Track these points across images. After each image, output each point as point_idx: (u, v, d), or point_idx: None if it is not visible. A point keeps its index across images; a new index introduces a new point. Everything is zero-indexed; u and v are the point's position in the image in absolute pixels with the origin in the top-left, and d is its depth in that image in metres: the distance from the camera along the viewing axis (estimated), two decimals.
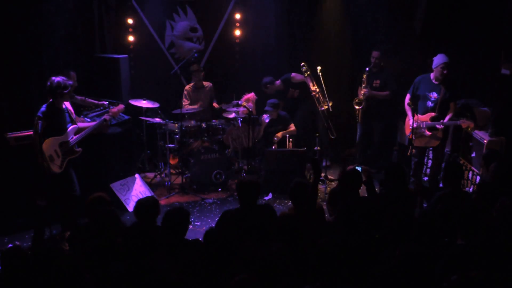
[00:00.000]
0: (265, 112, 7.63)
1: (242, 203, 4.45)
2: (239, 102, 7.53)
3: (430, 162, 7.20)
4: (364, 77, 7.51)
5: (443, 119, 6.46)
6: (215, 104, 8.00)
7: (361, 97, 7.59)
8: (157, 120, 7.55)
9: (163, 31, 8.55)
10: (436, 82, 6.54)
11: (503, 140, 6.32)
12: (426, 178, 7.18)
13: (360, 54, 8.30)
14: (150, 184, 7.36)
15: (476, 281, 2.95)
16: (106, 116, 5.99)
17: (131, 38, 8.30)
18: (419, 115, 6.53)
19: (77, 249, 4.09)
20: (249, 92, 7.97)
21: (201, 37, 8.67)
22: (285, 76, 8.15)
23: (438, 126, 6.48)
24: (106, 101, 6.75)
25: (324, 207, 4.98)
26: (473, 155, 6.66)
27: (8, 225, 6.05)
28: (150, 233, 3.92)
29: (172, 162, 7.86)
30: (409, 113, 6.66)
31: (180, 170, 7.57)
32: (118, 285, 3.26)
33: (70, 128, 5.61)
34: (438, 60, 6.44)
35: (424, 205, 4.93)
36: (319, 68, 7.35)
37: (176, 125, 7.46)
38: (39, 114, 5.42)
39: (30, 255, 3.72)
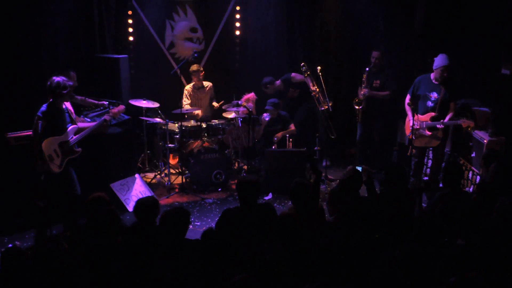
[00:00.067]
0: (266, 111, 7.63)
1: (242, 202, 4.45)
2: (239, 102, 7.53)
3: (430, 162, 7.20)
4: (364, 77, 7.51)
5: (443, 119, 6.46)
6: (215, 104, 8.00)
7: (361, 97, 7.59)
8: (157, 120, 7.55)
9: (163, 31, 8.55)
10: (436, 82, 6.54)
11: (503, 140, 6.32)
12: (426, 178, 7.18)
13: (360, 54, 8.30)
14: (150, 184, 7.36)
15: (475, 282, 2.95)
16: (106, 117, 5.99)
17: (131, 38, 8.30)
18: (419, 115, 6.53)
19: (76, 249, 4.08)
20: (249, 92, 7.98)
21: (201, 37, 8.68)
22: (285, 76, 8.15)
23: (438, 126, 6.47)
24: (106, 101, 6.74)
25: (324, 207, 4.98)
26: (473, 155, 6.66)
27: (8, 225, 6.05)
28: (150, 233, 3.92)
29: (172, 162, 7.87)
30: (409, 113, 6.65)
31: (180, 170, 7.57)
32: (118, 285, 3.26)
33: (70, 128, 5.61)
34: (439, 62, 6.42)
35: (424, 205, 4.93)
36: (319, 68, 7.35)
37: (176, 125, 7.46)
38: (39, 113, 5.42)
39: (30, 255, 3.72)
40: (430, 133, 6.55)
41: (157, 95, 7.77)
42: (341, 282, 3.08)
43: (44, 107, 5.47)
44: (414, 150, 6.66)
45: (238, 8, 8.51)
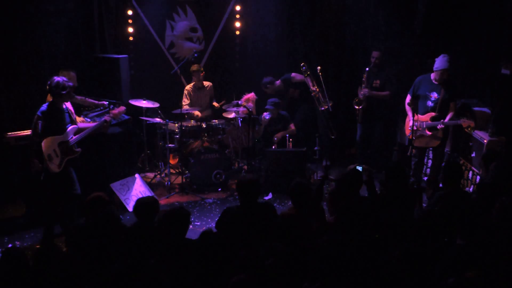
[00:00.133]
0: (266, 110, 7.63)
1: (243, 202, 4.45)
2: (239, 102, 7.53)
3: (430, 162, 7.20)
4: (364, 77, 7.51)
5: (444, 119, 6.46)
6: (215, 104, 8.00)
7: (361, 97, 7.59)
8: (157, 120, 7.55)
9: (163, 31, 8.56)
10: (436, 83, 6.54)
11: (503, 140, 6.32)
12: (426, 178, 7.18)
13: (360, 54, 8.30)
14: (150, 184, 7.35)
15: (473, 282, 2.95)
16: (107, 117, 5.99)
17: (131, 38, 8.30)
18: (419, 115, 6.53)
19: (76, 249, 4.08)
20: (249, 92, 7.98)
21: (201, 37, 8.68)
22: (285, 76, 8.15)
23: (438, 126, 6.47)
24: (106, 101, 6.75)
25: (324, 207, 4.98)
26: (473, 155, 6.66)
27: (8, 225, 6.05)
28: (150, 233, 3.93)
29: (172, 162, 7.86)
30: (410, 113, 6.65)
31: (180, 170, 7.57)
32: (117, 285, 3.26)
33: (69, 128, 5.61)
34: (439, 64, 6.41)
35: (424, 205, 4.93)
36: (319, 68, 7.35)
37: (176, 125, 7.46)
38: (39, 113, 5.42)
39: (30, 255, 3.72)
40: (430, 133, 6.55)
41: (157, 95, 7.77)
42: (341, 282, 3.08)
43: (44, 107, 5.47)
44: (414, 150, 6.66)
45: (238, 8, 8.51)
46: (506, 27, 6.83)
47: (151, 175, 7.82)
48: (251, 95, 7.94)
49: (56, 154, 5.50)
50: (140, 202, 4.34)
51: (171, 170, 7.74)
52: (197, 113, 7.71)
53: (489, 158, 5.21)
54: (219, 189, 7.43)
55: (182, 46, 8.63)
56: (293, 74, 8.07)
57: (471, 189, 6.51)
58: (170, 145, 7.48)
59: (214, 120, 7.71)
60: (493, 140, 6.31)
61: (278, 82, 8.11)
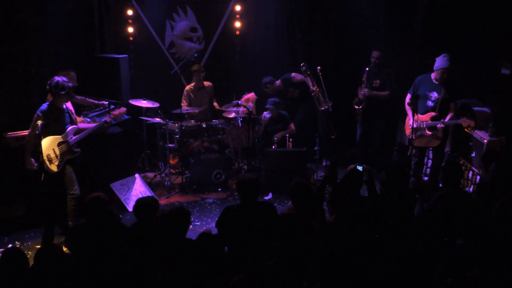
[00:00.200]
0: (266, 110, 7.63)
1: (243, 201, 4.45)
2: (239, 102, 7.53)
3: (430, 162, 7.20)
4: (364, 77, 7.52)
5: (444, 118, 6.46)
6: (215, 104, 8.00)
7: (361, 97, 7.59)
8: (157, 120, 7.55)
9: (163, 31, 8.55)
10: (436, 82, 6.53)
11: (503, 140, 6.32)
12: (426, 178, 7.18)
13: (360, 54, 8.30)
14: (150, 184, 7.35)
15: (472, 282, 2.95)
16: (107, 118, 5.99)
17: (131, 38, 8.30)
18: (419, 114, 6.52)
19: (76, 249, 4.08)
20: (249, 92, 7.98)
21: (201, 37, 8.68)
22: (285, 76, 8.15)
23: (438, 126, 6.47)
24: (106, 101, 6.75)
25: (324, 207, 4.98)
26: (473, 155, 6.66)
27: (8, 225, 6.05)
28: (150, 233, 3.92)
29: (172, 162, 7.86)
30: (409, 113, 6.65)
31: (180, 170, 7.57)
32: (117, 285, 3.26)
33: (69, 128, 5.61)
34: (440, 63, 6.41)
35: (424, 205, 4.92)
36: (319, 68, 7.35)
37: (176, 125, 7.46)
38: (39, 112, 5.41)
39: (30, 255, 3.72)
40: (430, 133, 6.55)
41: (157, 95, 7.77)
42: (341, 282, 3.08)
43: (44, 106, 5.47)
44: (414, 150, 6.66)
45: (238, 8, 8.50)
46: (506, 27, 6.83)
47: (151, 175, 7.82)
48: (251, 95, 7.93)
49: (55, 154, 5.50)
50: (140, 202, 4.34)
51: (171, 170, 7.74)
52: (197, 111, 7.71)
53: (489, 158, 5.22)
54: (219, 189, 7.43)
55: (182, 46, 8.63)
56: (293, 74, 8.07)
57: (471, 189, 6.51)
58: (170, 145, 7.48)
59: (214, 120, 7.71)
60: (493, 140, 6.31)
61: (278, 82, 8.11)
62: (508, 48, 6.81)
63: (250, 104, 7.71)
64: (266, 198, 7.10)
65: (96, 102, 6.72)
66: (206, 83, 8.00)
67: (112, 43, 8.16)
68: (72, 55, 7.29)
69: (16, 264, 3.49)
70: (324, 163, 7.52)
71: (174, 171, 7.89)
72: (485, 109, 6.90)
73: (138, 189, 6.91)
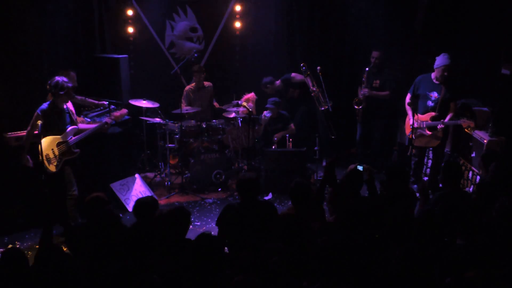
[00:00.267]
0: (266, 109, 7.63)
1: (243, 200, 4.46)
2: (239, 102, 7.53)
3: (430, 162, 7.20)
4: (364, 77, 7.52)
5: (444, 118, 6.46)
6: (216, 104, 8.00)
7: (361, 97, 7.59)
8: (157, 120, 7.55)
9: (163, 31, 8.55)
10: (437, 82, 6.54)
11: (503, 140, 6.32)
12: (426, 178, 7.18)
13: (360, 54, 8.30)
14: (150, 184, 7.36)
15: (472, 282, 2.95)
16: (107, 120, 5.98)
17: (131, 38, 8.30)
18: (419, 114, 6.53)
19: (76, 249, 4.08)
20: (249, 92, 7.98)
21: (201, 37, 8.68)
22: (285, 76, 8.15)
23: (438, 126, 6.47)
24: (106, 101, 6.75)
25: (324, 207, 4.99)
26: (473, 155, 6.66)
27: (8, 225, 6.05)
28: (149, 233, 3.92)
29: (172, 162, 7.87)
30: (410, 112, 6.65)
31: (180, 170, 7.57)
32: (117, 285, 3.26)
33: (69, 128, 5.61)
34: (440, 61, 6.42)
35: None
36: (319, 68, 7.35)
37: (176, 125, 7.47)
38: (38, 111, 5.42)
39: (30, 255, 3.72)
40: (430, 133, 6.55)
41: (157, 95, 7.77)
42: (341, 282, 3.08)
43: (44, 106, 5.47)
44: (414, 150, 6.66)
45: (238, 8, 8.50)
46: (506, 27, 6.83)
47: (151, 175, 7.82)
48: (251, 95, 7.93)
49: (54, 154, 5.51)
50: (140, 202, 4.34)
51: (171, 170, 7.74)
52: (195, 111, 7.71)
53: (489, 158, 5.21)
54: (219, 189, 7.44)
55: (182, 46, 8.63)
56: (293, 74, 8.07)
57: (471, 189, 6.51)
58: (170, 145, 7.48)
59: (214, 120, 7.71)
60: (493, 140, 6.31)
61: (278, 82, 8.11)
62: (508, 48, 6.81)
63: (250, 104, 7.71)
64: (266, 198, 7.11)
65: (96, 102, 6.72)
66: (206, 83, 7.99)
67: (112, 43, 8.16)
68: (72, 55, 7.29)
69: (16, 264, 3.49)
70: (324, 163, 7.52)
71: (174, 171, 7.89)
72: (485, 109, 6.90)
73: (138, 189, 6.91)
